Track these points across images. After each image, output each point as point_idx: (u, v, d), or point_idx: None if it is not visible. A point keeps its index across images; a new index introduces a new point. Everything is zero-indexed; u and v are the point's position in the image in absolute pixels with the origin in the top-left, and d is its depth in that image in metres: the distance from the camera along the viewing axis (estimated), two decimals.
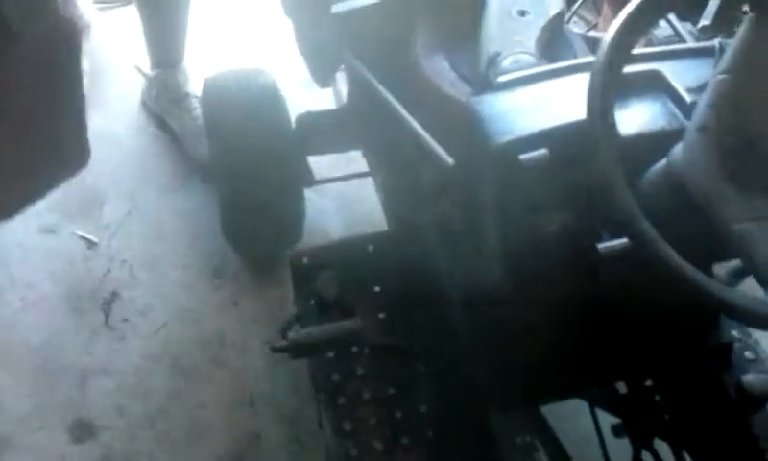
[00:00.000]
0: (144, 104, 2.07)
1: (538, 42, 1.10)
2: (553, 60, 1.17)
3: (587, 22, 2.01)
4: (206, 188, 1.86)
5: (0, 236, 1.76)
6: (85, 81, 1.16)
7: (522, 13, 1.14)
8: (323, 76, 1.54)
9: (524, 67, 0.94)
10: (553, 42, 1.14)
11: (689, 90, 0.86)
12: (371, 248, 1.42)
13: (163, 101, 1.98)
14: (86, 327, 1.68)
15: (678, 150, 0.75)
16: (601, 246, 0.79)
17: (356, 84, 1.34)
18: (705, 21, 2.05)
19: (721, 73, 0.71)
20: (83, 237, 1.82)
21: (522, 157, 0.80)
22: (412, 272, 1.36)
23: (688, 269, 0.71)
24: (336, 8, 1.42)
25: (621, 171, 0.73)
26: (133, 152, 2.01)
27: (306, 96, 1.90)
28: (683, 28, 1.87)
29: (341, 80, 1.70)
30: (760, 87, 0.73)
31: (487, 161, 0.85)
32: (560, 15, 1.14)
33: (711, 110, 0.71)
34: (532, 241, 0.84)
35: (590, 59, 0.94)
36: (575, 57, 1.21)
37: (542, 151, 0.80)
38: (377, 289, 1.39)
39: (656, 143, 0.83)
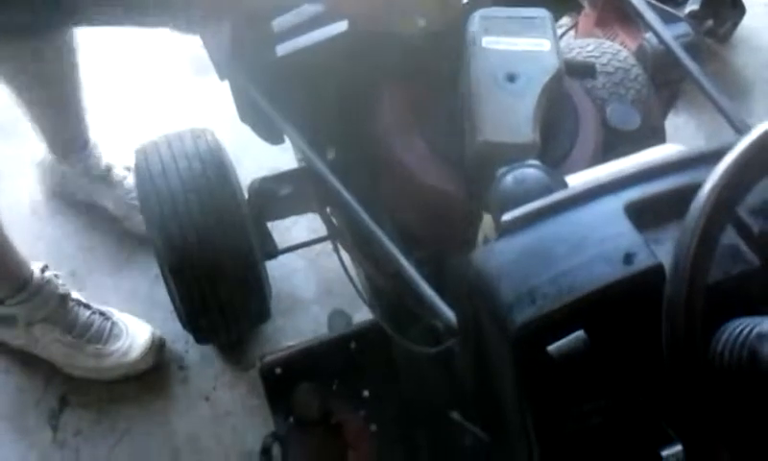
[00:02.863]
0: (55, 195, 1.77)
1: (534, 121, 0.88)
2: (558, 140, 0.97)
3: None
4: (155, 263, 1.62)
5: None
6: None
7: (512, 78, 0.92)
8: (272, 138, 1.31)
9: (532, 188, 0.72)
10: (552, 115, 0.92)
11: (754, 213, 0.65)
12: (353, 345, 1.21)
13: (86, 185, 1.70)
14: (32, 450, 1.45)
15: None
16: (667, 453, 0.59)
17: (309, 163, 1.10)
18: (693, 6, 1.85)
19: None
20: None
21: (552, 348, 0.59)
22: (406, 372, 1.16)
23: None
24: (282, 48, 1.20)
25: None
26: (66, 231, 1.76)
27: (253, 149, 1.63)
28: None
29: None
30: None
31: (500, 348, 0.64)
32: (556, 77, 0.92)
33: None
34: (571, 438, 0.63)
35: (614, 169, 0.73)
36: (577, 124, 1.00)
37: (577, 335, 0.59)
38: (366, 394, 1.19)
39: (719, 293, 0.62)
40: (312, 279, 1.67)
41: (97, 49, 2.08)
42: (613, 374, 0.61)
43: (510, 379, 0.63)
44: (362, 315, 1.47)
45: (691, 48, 1.62)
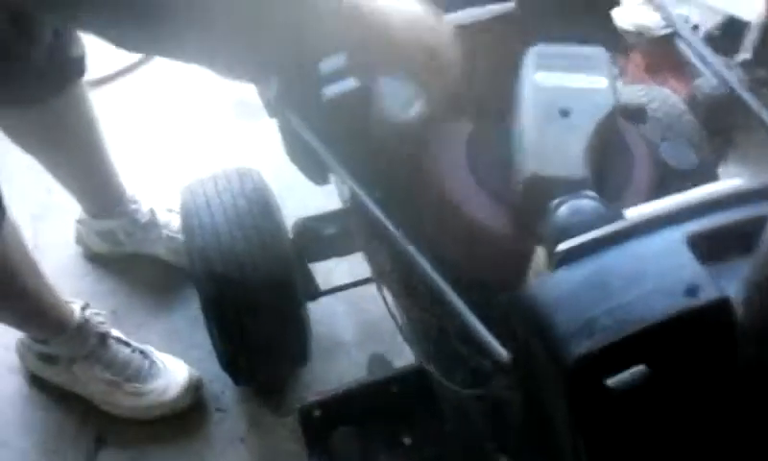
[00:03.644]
0: (96, 256, 1.78)
1: (586, 157, 0.86)
2: (611, 179, 0.94)
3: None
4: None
5: None
6: None
7: (565, 113, 0.90)
8: (319, 178, 1.30)
9: (588, 219, 0.69)
10: (606, 153, 0.90)
11: None
12: (394, 389, 1.18)
13: (137, 236, 1.70)
14: None
15: None
16: None
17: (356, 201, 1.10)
18: (745, 55, 1.81)
19: None
20: None
21: (612, 381, 0.56)
22: (451, 417, 1.12)
23: None
24: (328, 91, 1.20)
25: None
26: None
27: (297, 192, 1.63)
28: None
29: None
30: None
31: (555, 383, 0.61)
32: (611, 115, 0.90)
33: None
34: None
35: (675, 201, 0.70)
36: (631, 163, 0.98)
37: (639, 369, 0.56)
38: (407, 441, 1.15)
39: None
40: (352, 324, 1.65)
41: (140, 95, 2.14)
42: (678, 411, 0.58)
43: (565, 417, 0.60)
44: (403, 361, 1.44)
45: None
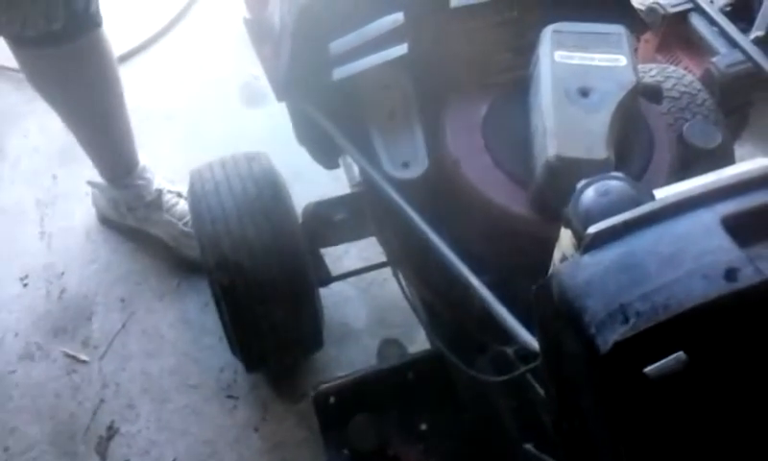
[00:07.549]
0: (106, 220, 1.79)
1: (608, 137, 0.83)
2: (632, 158, 0.92)
3: None
4: (207, 290, 1.59)
5: None
6: None
7: (585, 93, 0.88)
8: (328, 161, 1.28)
9: (617, 200, 0.67)
10: (627, 132, 0.88)
11: None
12: (411, 375, 1.16)
13: (138, 211, 1.71)
14: None
15: None
16: None
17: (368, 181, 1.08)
18: (758, 32, 1.78)
19: None
20: (68, 355, 1.58)
21: (650, 369, 0.54)
22: (469, 404, 1.11)
23: None
24: (338, 73, 1.17)
25: None
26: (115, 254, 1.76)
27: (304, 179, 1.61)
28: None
29: None
30: None
31: (588, 371, 0.59)
32: (632, 93, 0.88)
33: None
34: None
35: (706, 181, 0.68)
36: (651, 142, 0.95)
37: (677, 356, 0.54)
38: (424, 427, 1.14)
39: None
40: (364, 309, 1.63)
41: (144, 81, 2.11)
42: (718, 400, 0.56)
43: (600, 406, 0.58)
44: (415, 347, 1.43)
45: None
